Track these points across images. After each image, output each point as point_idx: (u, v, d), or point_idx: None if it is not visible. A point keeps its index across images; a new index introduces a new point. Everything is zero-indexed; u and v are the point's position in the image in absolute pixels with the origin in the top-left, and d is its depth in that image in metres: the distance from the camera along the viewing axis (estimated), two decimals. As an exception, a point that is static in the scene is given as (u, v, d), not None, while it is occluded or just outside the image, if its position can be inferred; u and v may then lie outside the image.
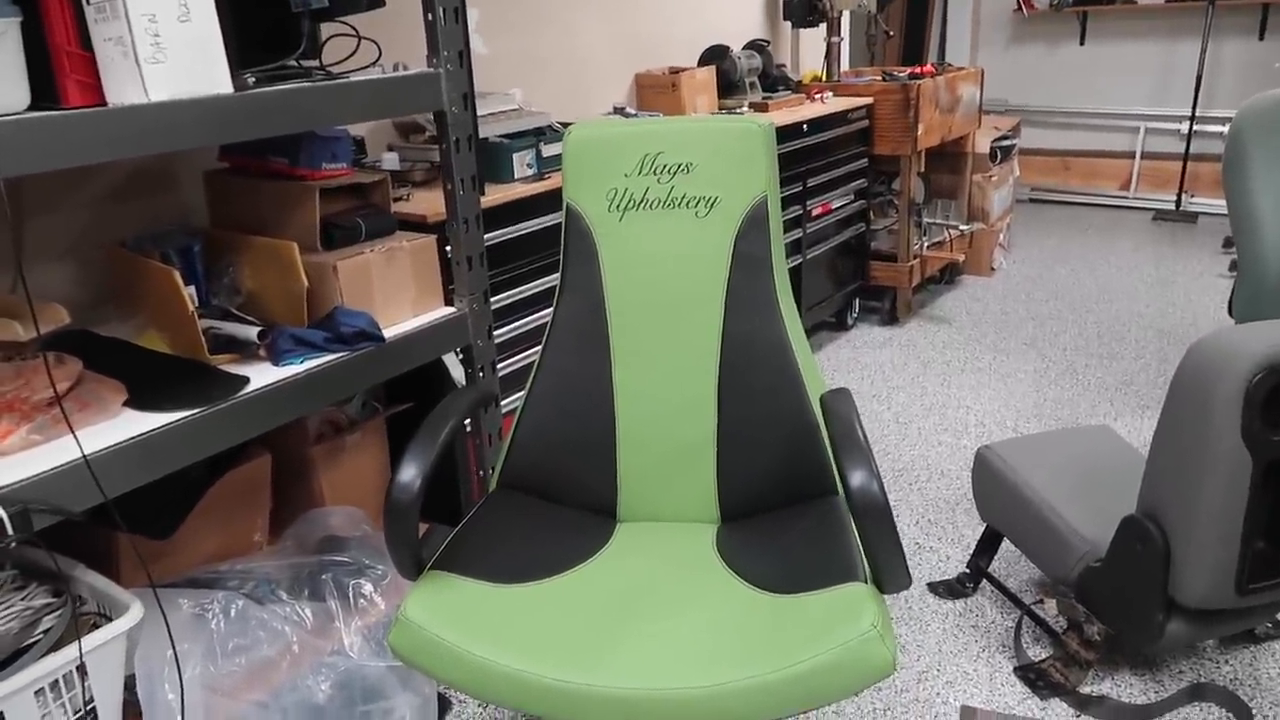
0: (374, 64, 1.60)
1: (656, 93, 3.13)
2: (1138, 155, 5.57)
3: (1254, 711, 1.68)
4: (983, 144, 4.13)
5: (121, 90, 1.20)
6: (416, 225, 1.86)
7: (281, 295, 1.54)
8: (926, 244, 3.90)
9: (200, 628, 1.38)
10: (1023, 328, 3.68)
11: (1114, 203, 5.69)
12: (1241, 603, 1.51)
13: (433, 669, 1.17)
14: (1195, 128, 5.31)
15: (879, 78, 3.65)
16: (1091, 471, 1.91)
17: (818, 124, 3.24)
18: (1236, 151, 2.11)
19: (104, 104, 1.21)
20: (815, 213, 3.35)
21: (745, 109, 3.26)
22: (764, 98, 3.35)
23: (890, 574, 1.14)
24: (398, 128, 2.38)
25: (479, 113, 2.26)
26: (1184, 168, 5.35)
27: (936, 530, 2.31)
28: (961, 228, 4.00)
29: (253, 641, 1.43)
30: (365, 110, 1.45)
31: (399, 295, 1.64)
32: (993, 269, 4.41)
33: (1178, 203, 5.41)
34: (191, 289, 1.57)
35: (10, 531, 1.08)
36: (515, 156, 2.20)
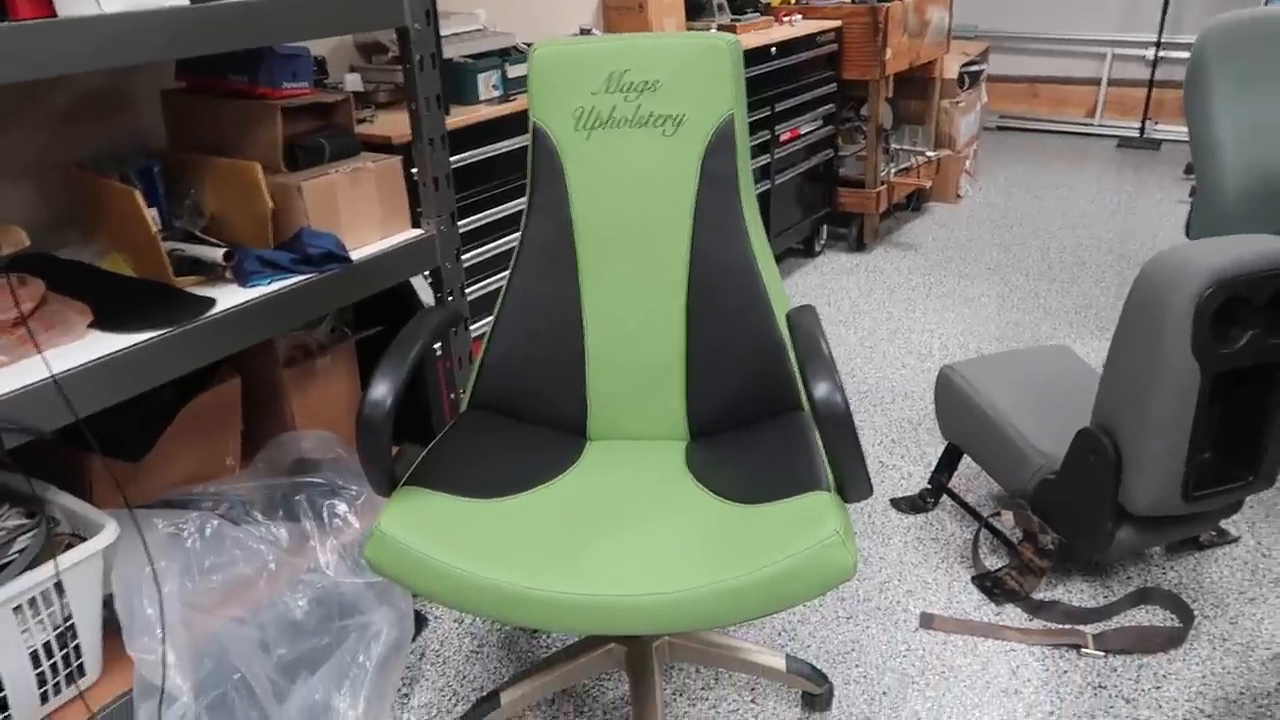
0: (333, -22, 1.56)
1: (623, 14, 3.07)
2: (1104, 82, 5.57)
3: (1195, 613, 1.77)
4: (951, 69, 4.11)
5: (73, 1, 1.17)
6: (381, 147, 1.84)
7: (246, 217, 1.52)
8: (894, 170, 3.91)
9: (176, 547, 1.40)
10: (987, 253, 3.73)
11: (1080, 129, 5.71)
12: (1188, 510, 1.58)
13: (407, 579, 1.20)
14: (1161, 54, 5.32)
15: (848, 0, 3.61)
16: (1049, 389, 1.96)
17: (786, 47, 3.21)
18: (1198, 72, 2.13)
19: (54, 16, 1.17)
20: (783, 138, 3.34)
21: (713, 31, 3.21)
22: (732, 20, 3.31)
23: (852, 482, 1.18)
24: (360, 49, 2.33)
25: (443, 32, 2.21)
26: (1149, 94, 5.37)
27: (900, 449, 2.37)
28: (929, 154, 4.01)
29: (229, 560, 1.45)
30: (325, 25, 1.42)
31: (365, 217, 1.63)
32: (959, 196, 4.43)
33: (1142, 130, 5.44)
34: (154, 211, 1.55)
35: (-19, 450, 1.08)
36: (480, 78, 2.17)
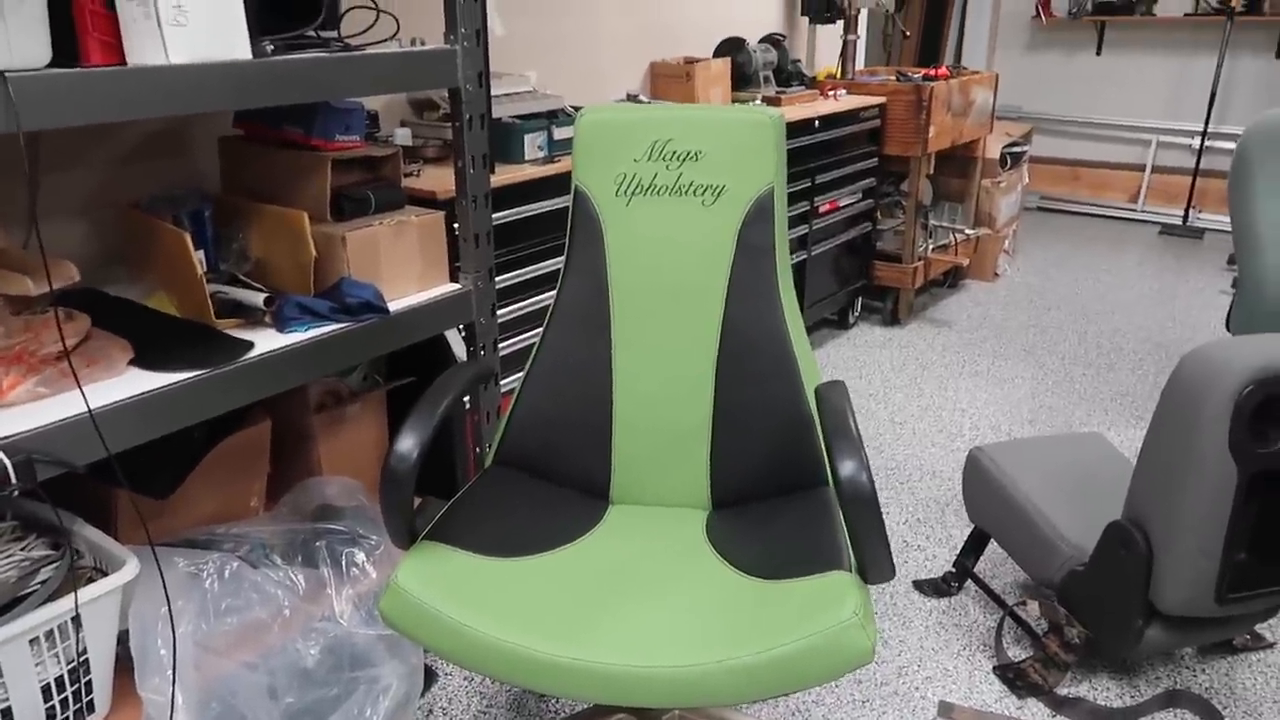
0: (391, 38, 1.61)
1: (670, 82, 3.13)
2: (1148, 168, 5.57)
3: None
4: (993, 149, 4.14)
5: (142, 51, 1.21)
6: (426, 201, 1.88)
7: (290, 263, 1.55)
8: (931, 246, 3.91)
9: (194, 586, 1.40)
10: (1022, 335, 3.70)
11: (1121, 215, 5.69)
12: (1220, 612, 1.53)
13: (420, 636, 1.19)
14: (1207, 144, 5.31)
15: (893, 78, 3.66)
16: (1081, 477, 1.93)
17: (829, 121, 3.25)
18: (1242, 167, 2.13)
19: (124, 64, 1.22)
20: (822, 209, 3.36)
21: (758, 102, 3.27)
22: (777, 92, 3.36)
23: (875, 564, 1.16)
24: (411, 104, 2.39)
25: (493, 93, 2.27)
26: (1193, 183, 5.36)
27: (925, 529, 2.33)
28: (968, 232, 4.01)
29: (245, 603, 1.45)
30: (381, 83, 1.47)
31: (405, 269, 1.66)
32: (996, 275, 4.42)
33: (1185, 218, 5.41)
34: (201, 253, 1.59)
35: (14, 480, 1.10)
36: (527, 138, 2.21)
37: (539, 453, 1.55)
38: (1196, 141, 5.35)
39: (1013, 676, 1.80)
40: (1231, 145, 5.18)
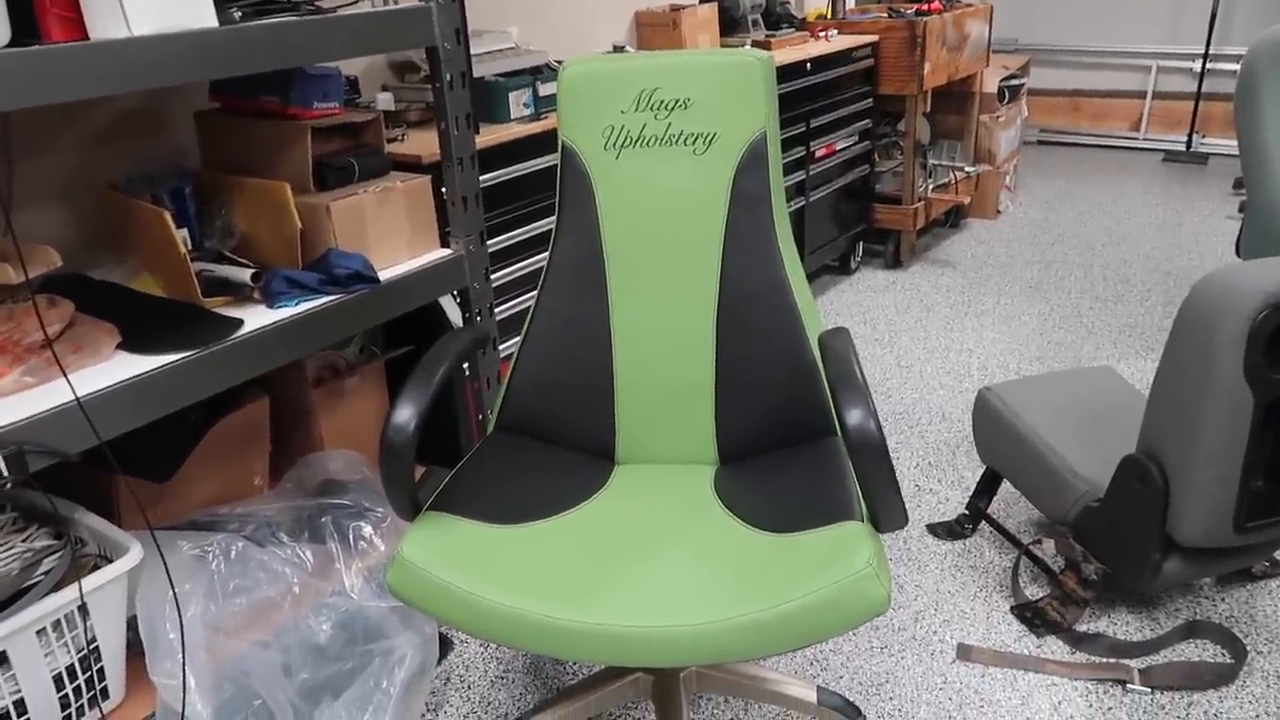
0: (364, -1, 1.56)
1: (657, 30, 3.06)
2: (1149, 95, 5.46)
3: (1248, 648, 1.69)
4: (990, 83, 4.05)
5: (104, 25, 1.17)
6: (411, 166, 1.84)
7: (275, 237, 1.52)
8: (931, 186, 3.85)
9: (200, 569, 1.39)
10: (1027, 271, 3.65)
11: (1124, 144, 5.60)
12: (1239, 541, 1.52)
13: (429, 607, 1.18)
14: (1209, 66, 5.20)
15: (885, 14, 3.57)
16: (1092, 412, 1.90)
17: (821, 62, 3.18)
18: (1248, 86, 2.06)
19: (86, 39, 1.18)
20: (818, 154, 3.30)
21: (748, 47, 3.19)
22: (767, 35, 3.28)
23: (887, 512, 1.14)
24: (393, 67, 2.34)
25: (474, 51, 2.22)
26: (1195, 108, 5.25)
27: (936, 473, 2.31)
28: (967, 170, 3.94)
29: (253, 582, 1.44)
30: (354, 45, 1.42)
31: (394, 237, 1.62)
32: (998, 212, 4.36)
33: (1188, 143, 5.32)
34: (184, 231, 1.56)
35: (5, 473, 1.08)
36: (511, 96, 2.16)
37: (541, 417, 1.52)
38: (1198, 65, 5.23)
39: (1031, 615, 1.79)
40: (1234, 67, 5.08)
